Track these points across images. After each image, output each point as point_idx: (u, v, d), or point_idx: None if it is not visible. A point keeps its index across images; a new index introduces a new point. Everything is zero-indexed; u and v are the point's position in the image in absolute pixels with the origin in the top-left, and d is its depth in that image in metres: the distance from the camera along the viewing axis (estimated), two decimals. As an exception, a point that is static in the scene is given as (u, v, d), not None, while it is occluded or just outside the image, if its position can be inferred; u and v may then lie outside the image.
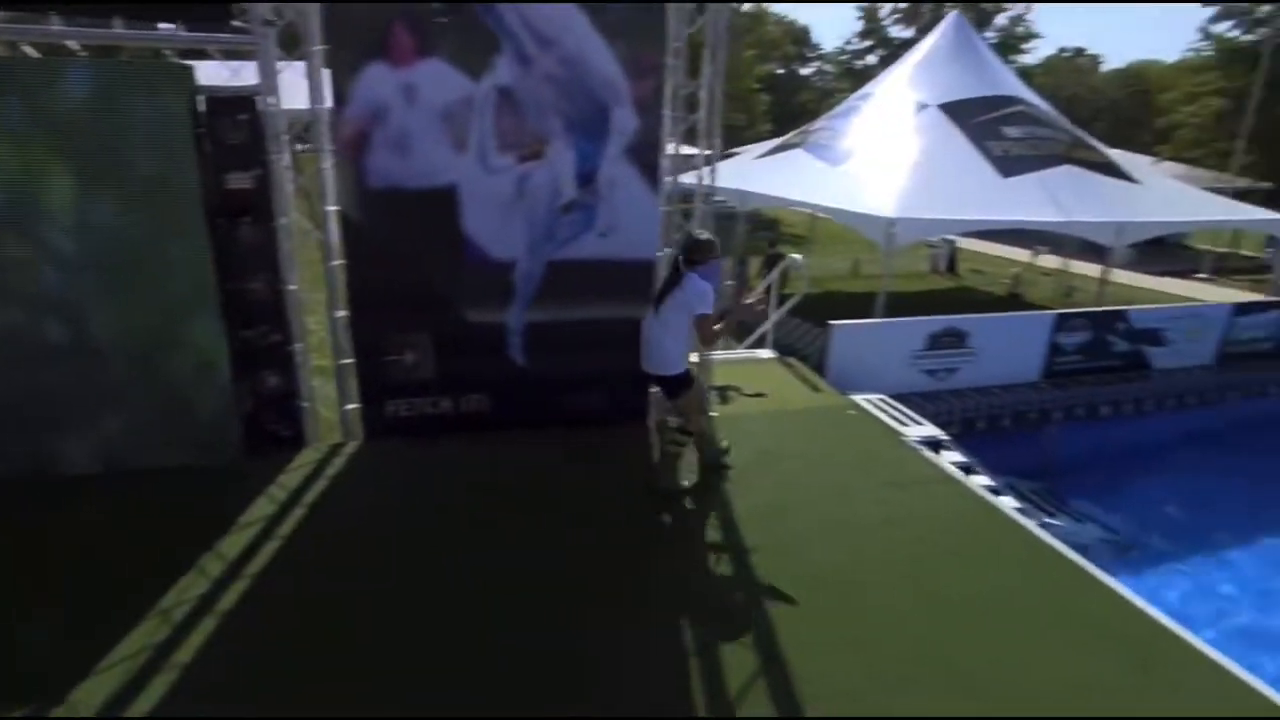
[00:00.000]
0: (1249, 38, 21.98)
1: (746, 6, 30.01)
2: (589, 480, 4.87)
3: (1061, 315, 8.02)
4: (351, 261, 4.91)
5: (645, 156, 5.14)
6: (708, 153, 5.38)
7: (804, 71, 59.03)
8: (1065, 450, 8.13)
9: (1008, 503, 6.21)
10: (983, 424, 7.52)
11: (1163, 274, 20.99)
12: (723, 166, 18.48)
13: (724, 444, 5.20)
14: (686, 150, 5.49)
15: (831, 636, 3.44)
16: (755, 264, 13.95)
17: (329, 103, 4.59)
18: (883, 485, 4.96)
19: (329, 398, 5.45)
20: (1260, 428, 9.00)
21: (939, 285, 18.29)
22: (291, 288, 4.83)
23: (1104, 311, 8.46)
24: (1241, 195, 22.45)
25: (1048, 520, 6.70)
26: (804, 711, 2.97)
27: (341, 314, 5.06)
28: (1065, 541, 6.56)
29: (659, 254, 5.39)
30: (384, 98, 4.62)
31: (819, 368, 7.08)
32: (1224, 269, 21.42)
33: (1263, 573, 6.46)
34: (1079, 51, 73.26)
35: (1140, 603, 3.71)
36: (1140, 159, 29.10)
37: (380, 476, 4.83)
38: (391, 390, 5.27)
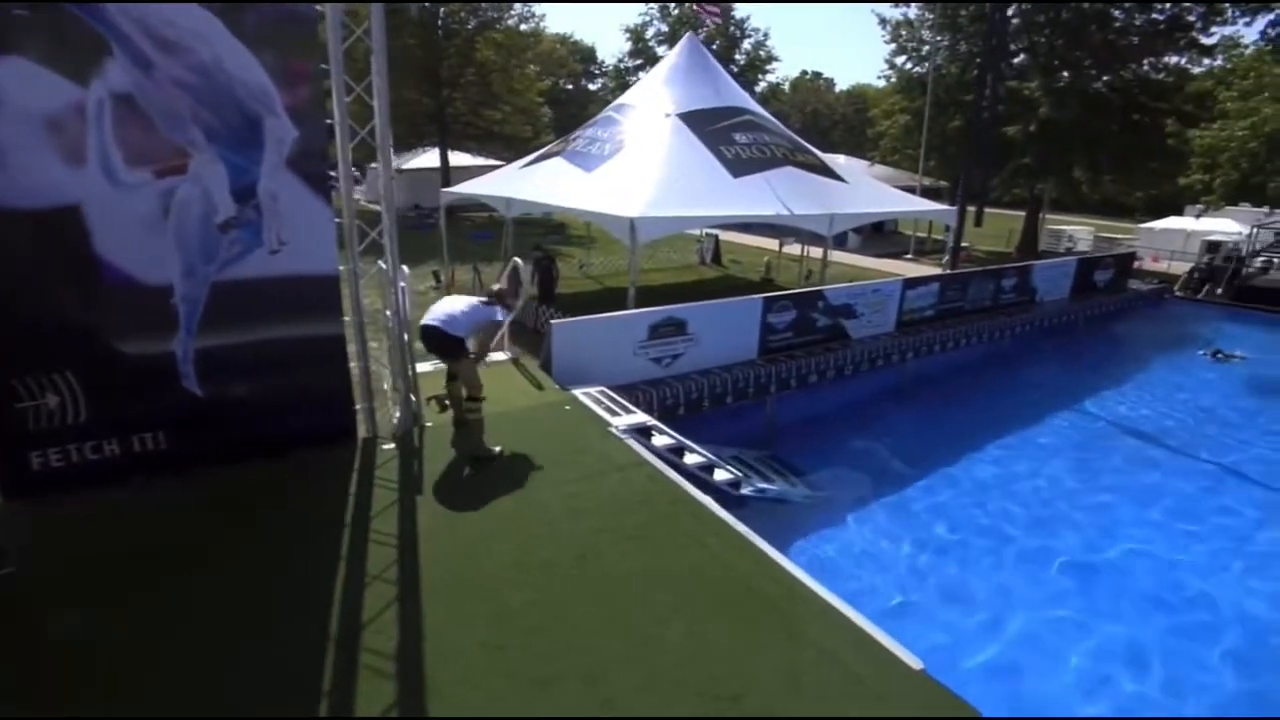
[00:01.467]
0: (919, 70, 24.95)
1: (522, 26, 29.20)
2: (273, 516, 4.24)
3: (768, 298, 8.42)
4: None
5: (310, 167, 4.59)
6: (371, 166, 4.83)
7: (592, 87, 59.55)
8: (785, 418, 8.56)
9: (720, 476, 6.35)
10: (708, 403, 7.67)
11: (881, 256, 23.40)
12: (490, 175, 17.76)
13: (497, 449, 5.28)
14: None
15: (471, 642, 3.26)
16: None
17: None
18: (580, 477, 4.86)
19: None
20: (931, 380, 10.04)
21: (706, 276, 18.95)
22: None
23: (804, 293, 9.01)
24: (933, 191, 25.58)
25: (763, 485, 6.90)
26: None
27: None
28: (777, 501, 6.91)
29: (338, 268, 4.78)
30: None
31: (546, 366, 6.80)
32: (923, 250, 24.20)
33: (938, 495, 7.19)
34: (817, 74, 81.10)
35: (799, 574, 3.84)
36: (861, 163, 32.45)
37: None
38: (34, 440, 4.26)
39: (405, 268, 5.55)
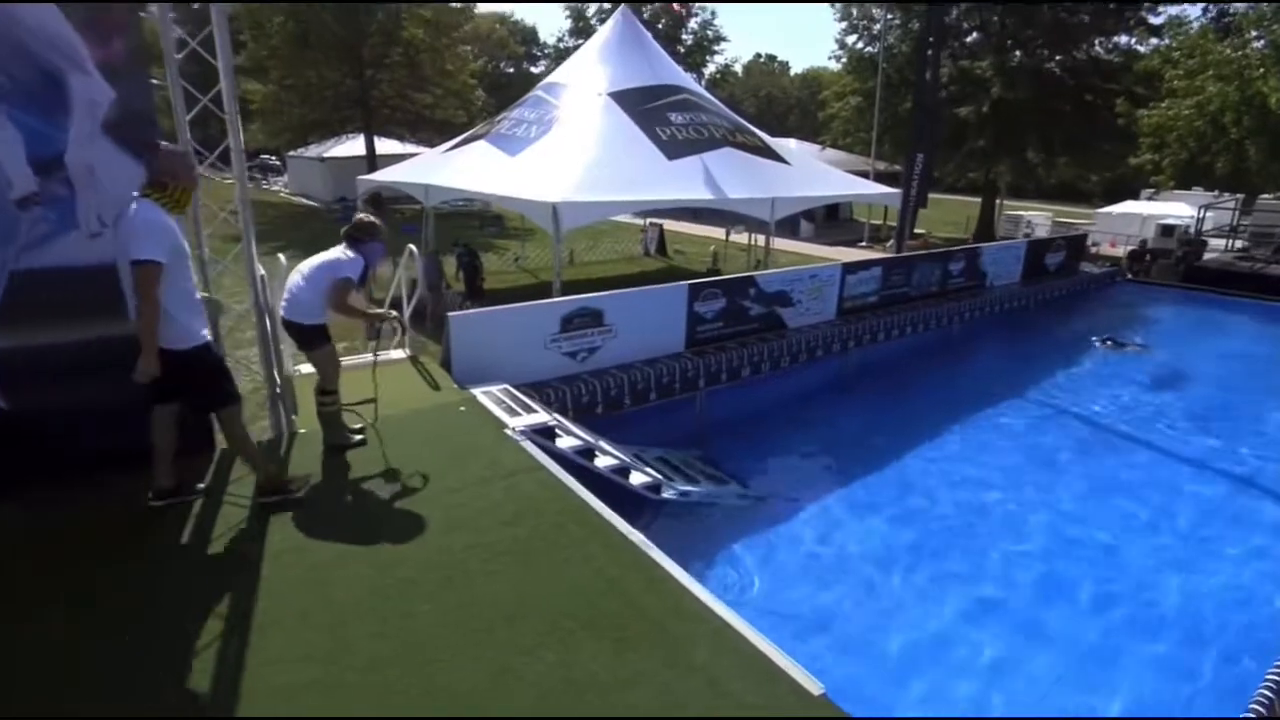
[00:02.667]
0: (870, 50, 25.20)
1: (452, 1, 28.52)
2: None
3: (695, 285, 8.21)
4: None
5: (136, 134, 4.07)
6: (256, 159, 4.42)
7: (535, 70, 58.91)
8: (716, 414, 8.36)
9: (638, 479, 6.09)
10: (629, 400, 7.42)
11: (835, 244, 23.55)
12: (410, 162, 17.27)
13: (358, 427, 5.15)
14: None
15: (299, 682, 2.94)
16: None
17: None
18: (461, 486, 4.56)
19: None
20: (875, 371, 9.97)
21: (649, 266, 18.80)
22: None
23: (734, 279, 8.82)
24: (888, 176, 25.87)
25: (687, 488, 6.67)
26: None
27: None
28: (705, 505, 6.68)
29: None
30: None
31: (447, 364, 6.44)
32: (878, 238, 24.47)
33: (880, 494, 7.06)
34: (772, 58, 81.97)
35: (696, 589, 3.57)
36: (813, 147, 32.69)
37: None
38: None
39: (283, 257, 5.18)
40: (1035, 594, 5.54)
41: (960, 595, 5.50)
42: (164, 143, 3.99)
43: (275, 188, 38.09)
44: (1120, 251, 19.50)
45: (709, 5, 44.56)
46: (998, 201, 26.88)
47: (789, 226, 24.97)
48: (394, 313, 5.43)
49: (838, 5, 26.41)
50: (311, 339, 4.70)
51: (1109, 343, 12.07)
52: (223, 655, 3.04)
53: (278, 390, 5.23)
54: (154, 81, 4.10)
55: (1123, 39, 20.58)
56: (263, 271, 4.92)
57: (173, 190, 3.72)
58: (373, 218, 4.70)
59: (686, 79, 15.45)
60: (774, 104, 70.14)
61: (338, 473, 4.69)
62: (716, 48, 44.88)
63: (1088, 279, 15.46)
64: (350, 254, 4.60)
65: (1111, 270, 16.76)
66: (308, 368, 6.55)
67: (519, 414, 5.66)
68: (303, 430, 5.28)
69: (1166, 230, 18.36)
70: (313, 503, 4.27)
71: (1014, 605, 5.41)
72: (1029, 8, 21.10)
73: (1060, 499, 7.01)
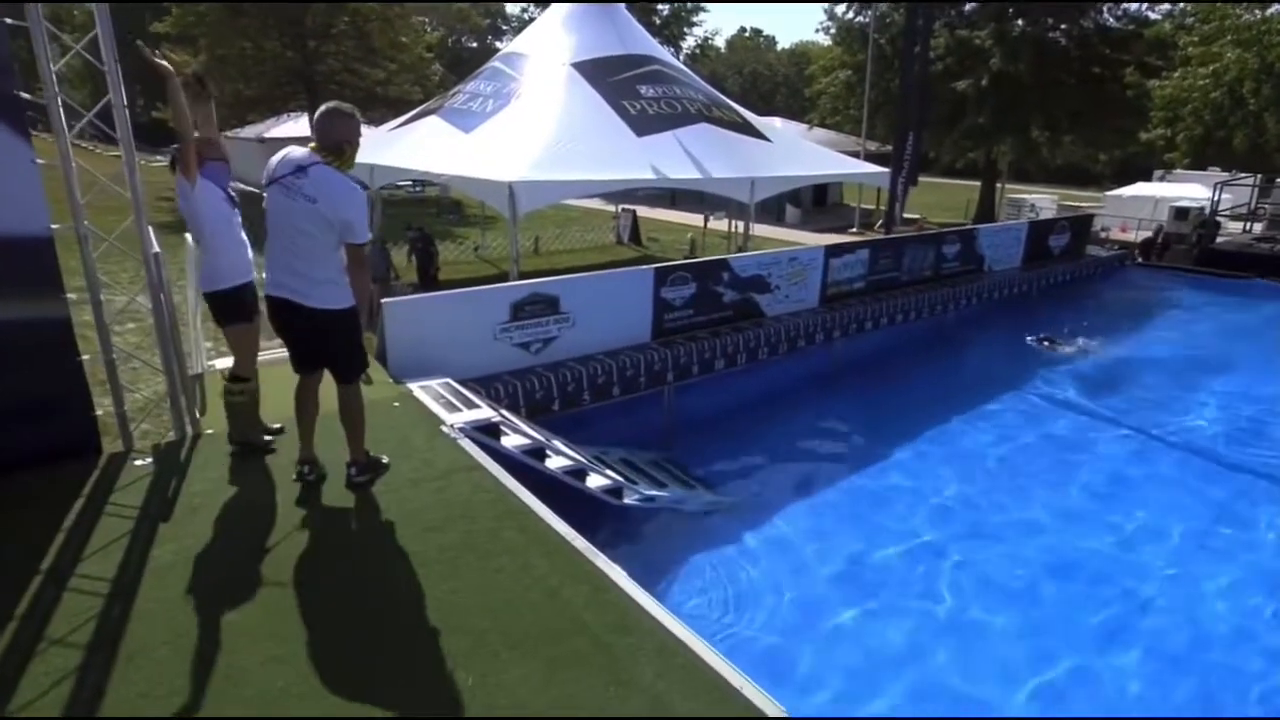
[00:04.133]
0: (860, 19, 25.22)
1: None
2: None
3: (661, 269, 8.07)
4: None
5: (-4, 90, 3.83)
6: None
7: (501, 46, 58.58)
8: (687, 412, 8.24)
9: (595, 483, 5.93)
10: (589, 395, 7.26)
11: (824, 230, 23.56)
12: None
13: (275, 425, 4.93)
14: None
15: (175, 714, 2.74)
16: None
17: None
18: (387, 490, 4.39)
19: None
20: (862, 363, 9.90)
21: (621, 255, 18.71)
22: None
23: (706, 263, 8.72)
24: (880, 157, 25.93)
25: (652, 493, 6.54)
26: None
27: None
28: (671, 510, 6.55)
29: (50, 228, 4.11)
30: None
31: (382, 355, 6.23)
32: (870, 224, 24.50)
33: (864, 499, 6.96)
34: (757, 33, 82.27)
35: (644, 600, 3.41)
36: (799, 126, 32.72)
37: None
38: None
39: (190, 242, 4.90)
40: (1024, 620, 5.43)
41: (941, 614, 5.41)
42: (336, 103, 3.85)
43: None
44: (1133, 237, 19.67)
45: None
46: (999, 185, 27.04)
47: (773, 212, 24.95)
48: None
49: (826, -29, 26.49)
50: (224, 311, 4.48)
51: (1046, 343, 11.71)
52: (79, 689, 2.82)
53: (178, 383, 4.98)
54: (8, 21, 3.86)
55: (1132, 5, 20.75)
56: (157, 248, 4.68)
57: (349, 155, 3.81)
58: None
59: (659, 49, 15.32)
60: (759, 82, 70.33)
61: (241, 479, 4.46)
62: (695, 18, 45.05)
63: (1094, 263, 15.55)
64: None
65: (1120, 253, 16.87)
66: (224, 362, 6.33)
67: (459, 409, 5.47)
68: (210, 431, 5.06)
69: (1180, 213, 18.53)
70: (207, 513, 4.05)
71: (1000, 626, 5.32)
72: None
73: (1057, 507, 6.96)
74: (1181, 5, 19.48)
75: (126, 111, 4.32)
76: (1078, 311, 13.20)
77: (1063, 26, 21.60)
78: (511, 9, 64.51)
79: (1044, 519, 6.73)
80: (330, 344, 4.00)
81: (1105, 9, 21.07)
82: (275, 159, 3.82)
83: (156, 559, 3.66)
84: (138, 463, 4.62)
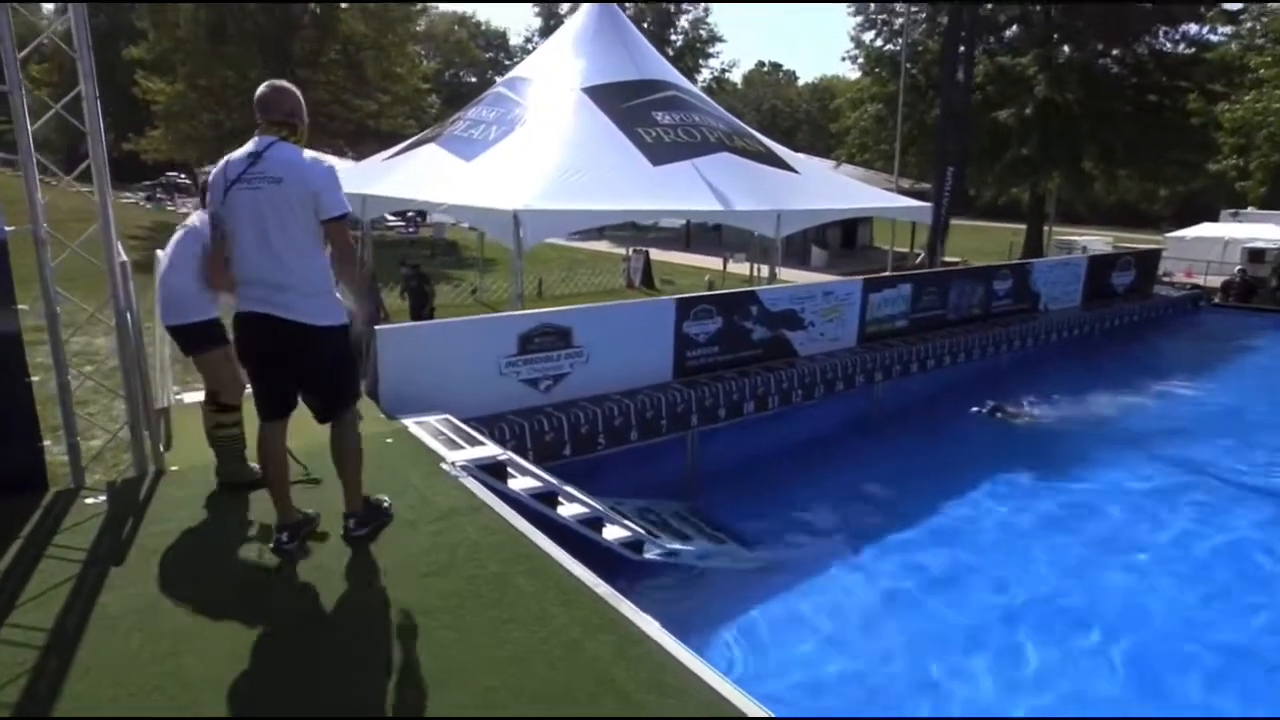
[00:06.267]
0: (890, 47, 25.70)
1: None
2: None
3: (684, 301, 7.96)
4: None
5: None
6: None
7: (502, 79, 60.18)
8: (712, 460, 8.03)
9: (614, 534, 5.72)
10: (605, 439, 7.07)
11: (851, 275, 23.56)
12: (345, 169, 17.24)
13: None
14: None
15: None
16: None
17: None
18: (389, 530, 4.18)
19: None
20: (907, 409, 9.67)
21: (633, 299, 18.61)
22: None
23: (732, 294, 8.59)
24: (912, 195, 26.09)
25: (676, 546, 6.32)
26: None
27: None
28: (697, 566, 6.30)
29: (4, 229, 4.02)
30: None
31: (373, 390, 6.08)
32: (902, 267, 24.48)
33: (888, 572, 6.58)
34: (776, 67, 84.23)
35: (685, 657, 3.17)
36: (825, 163, 33.12)
37: None
38: None
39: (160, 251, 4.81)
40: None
41: (1004, 681, 5.11)
42: (276, 81, 3.71)
43: (184, 210, 38.08)
44: (1201, 281, 19.54)
45: (701, 3, 45.61)
46: (1046, 227, 27.09)
47: (798, 255, 25.03)
48: None
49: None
50: (198, 341, 4.37)
51: (998, 414, 10.14)
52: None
53: (140, 414, 4.82)
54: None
55: (1190, 28, 20.93)
56: (124, 258, 4.58)
57: (301, 132, 3.64)
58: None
59: (675, 74, 15.54)
60: (779, 118, 71.55)
61: (211, 519, 4.27)
62: (711, 49, 46.06)
63: (1165, 303, 15.43)
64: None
65: (1193, 293, 16.74)
66: (192, 396, 6.18)
67: (461, 447, 5.29)
68: (175, 468, 4.88)
69: (1255, 255, 18.46)
70: (168, 557, 3.84)
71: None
72: (1077, -3, 21.49)
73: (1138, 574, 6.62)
74: (1250, 25, 19.66)
75: (99, 103, 4.27)
76: (1153, 354, 12.98)
77: (1114, 53, 21.90)
78: (515, 40, 66.44)
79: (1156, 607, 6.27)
80: (319, 368, 3.68)
81: (1161, 32, 21.34)
82: (216, 170, 3.63)
83: (105, 607, 3.44)
84: (89, 500, 4.43)
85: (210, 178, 3.68)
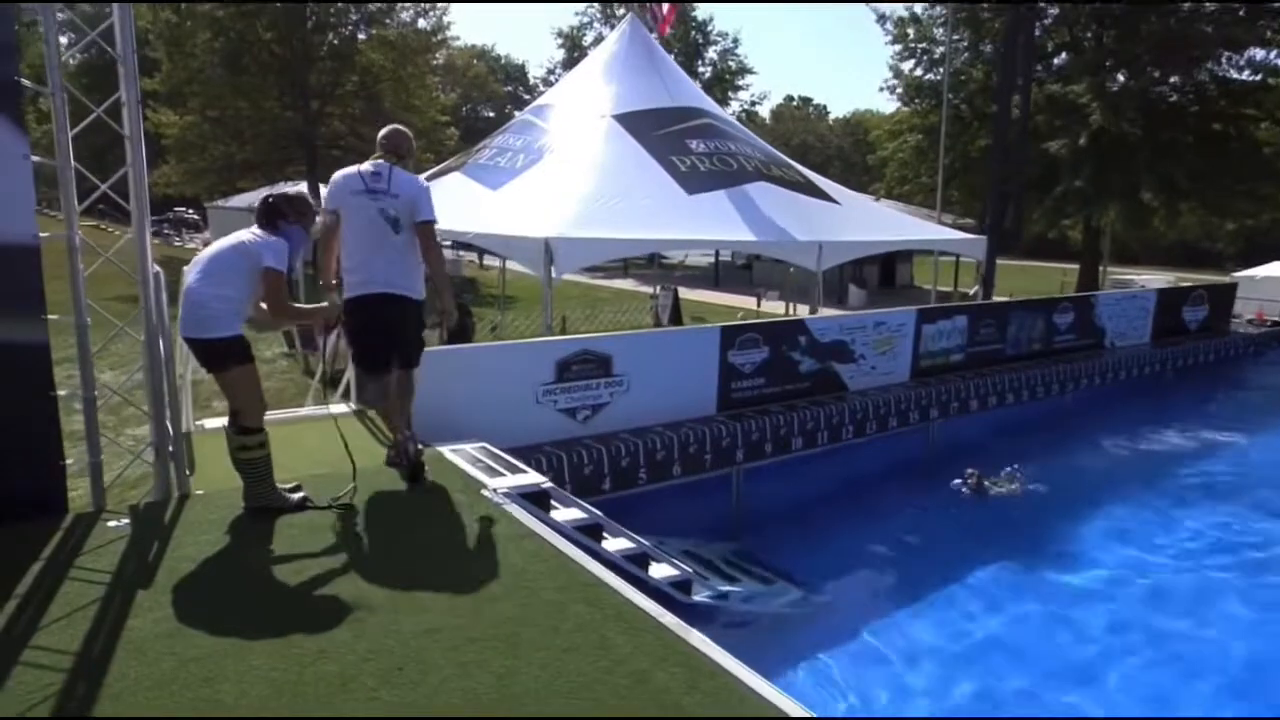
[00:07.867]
0: (930, 76, 25.85)
1: (420, 22, 29.63)
2: None
3: (729, 329, 7.95)
4: None
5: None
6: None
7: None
8: (759, 498, 7.95)
9: (661, 573, 5.65)
10: (646, 473, 7.02)
11: (895, 313, 23.50)
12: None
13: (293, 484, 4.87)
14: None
15: None
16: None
17: None
18: (421, 555, 4.19)
19: None
20: (962, 450, 9.52)
21: (670, 330, 18.70)
22: None
23: (780, 323, 8.57)
24: (957, 229, 26.09)
25: (725, 588, 6.28)
26: None
27: None
28: (748, 608, 6.21)
29: (38, 235, 4.09)
30: None
31: (404, 416, 6.08)
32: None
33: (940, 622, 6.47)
34: (806, 101, 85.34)
35: (766, 690, 3.13)
36: (862, 197, 33.26)
37: None
38: None
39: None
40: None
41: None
42: (397, 125, 5.26)
43: (192, 245, 38.81)
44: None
45: (730, 32, 46.57)
46: (1101, 267, 26.92)
47: (835, 294, 25.01)
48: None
49: (890, 27, 27.30)
50: (223, 358, 4.37)
51: (975, 480, 8.89)
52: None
53: (169, 437, 4.84)
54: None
55: (1256, 53, 20.87)
56: (158, 268, 4.64)
57: (410, 163, 5.11)
58: (300, 190, 4.57)
59: (709, 101, 15.73)
60: (810, 153, 72.09)
61: (242, 542, 4.26)
62: (741, 80, 46.71)
63: (1243, 341, 15.25)
64: (262, 235, 4.42)
65: (1275, 330, 16.50)
66: (215, 422, 6.22)
67: (501, 474, 5.28)
68: (200, 492, 4.88)
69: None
70: (198, 580, 3.82)
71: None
72: (1133, 20, 21.38)
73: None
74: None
75: (140, 108, 4.37)
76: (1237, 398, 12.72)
77: (1172, 80, 21.89)
78: (536, 73, 67.70)
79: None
80: (406, 331, 5.05)
81: (1224, 58, 21.31)
82: (337, 182, 4.96)
83: (134, 630, 3.41)
84: (111, 524, 4.43)
85: (331, 188, 4.97)
